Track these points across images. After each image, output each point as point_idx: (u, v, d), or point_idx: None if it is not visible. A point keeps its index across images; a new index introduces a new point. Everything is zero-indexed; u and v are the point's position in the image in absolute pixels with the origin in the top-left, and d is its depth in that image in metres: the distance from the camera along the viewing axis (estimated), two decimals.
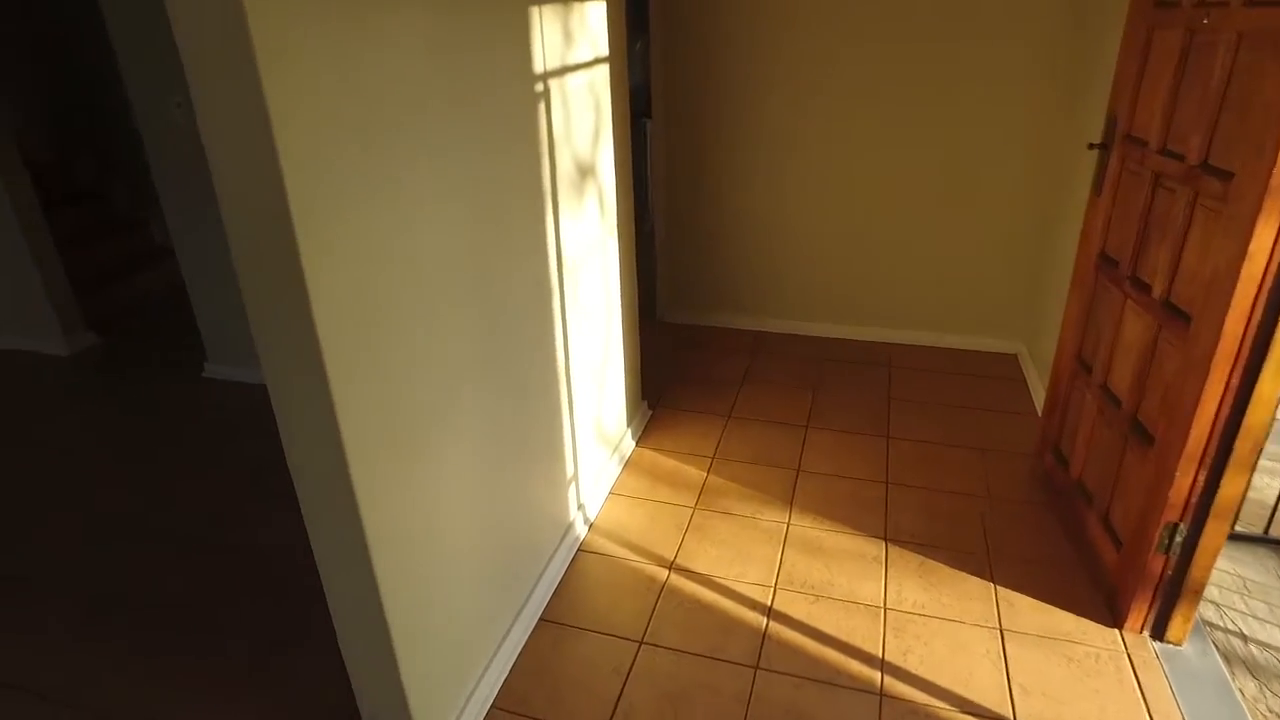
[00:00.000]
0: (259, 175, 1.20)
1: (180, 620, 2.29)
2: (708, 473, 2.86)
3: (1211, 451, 1.84)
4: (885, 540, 2.49)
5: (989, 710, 1.90)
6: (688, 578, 2.37)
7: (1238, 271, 1.66)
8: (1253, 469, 1.84)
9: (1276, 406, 1.76)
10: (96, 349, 4.11)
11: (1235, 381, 1.76)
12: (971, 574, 2.34)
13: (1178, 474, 1.88)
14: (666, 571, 2.39)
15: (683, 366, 3.67)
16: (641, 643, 2.13)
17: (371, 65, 1.38)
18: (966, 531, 2.52)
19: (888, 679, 2.00)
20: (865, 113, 3.45)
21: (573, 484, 2.48)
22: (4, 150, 3.65)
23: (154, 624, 2.29)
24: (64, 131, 5.05)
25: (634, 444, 3.03)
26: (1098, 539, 2.28)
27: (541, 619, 2.23)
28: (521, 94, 1.95)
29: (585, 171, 2.40)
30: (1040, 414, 2.96)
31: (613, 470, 2.82)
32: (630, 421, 3.02)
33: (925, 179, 3.49)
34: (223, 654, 2.16)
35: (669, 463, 2.93)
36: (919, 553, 2.43)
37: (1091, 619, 2.15)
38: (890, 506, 2.65)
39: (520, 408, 2.08)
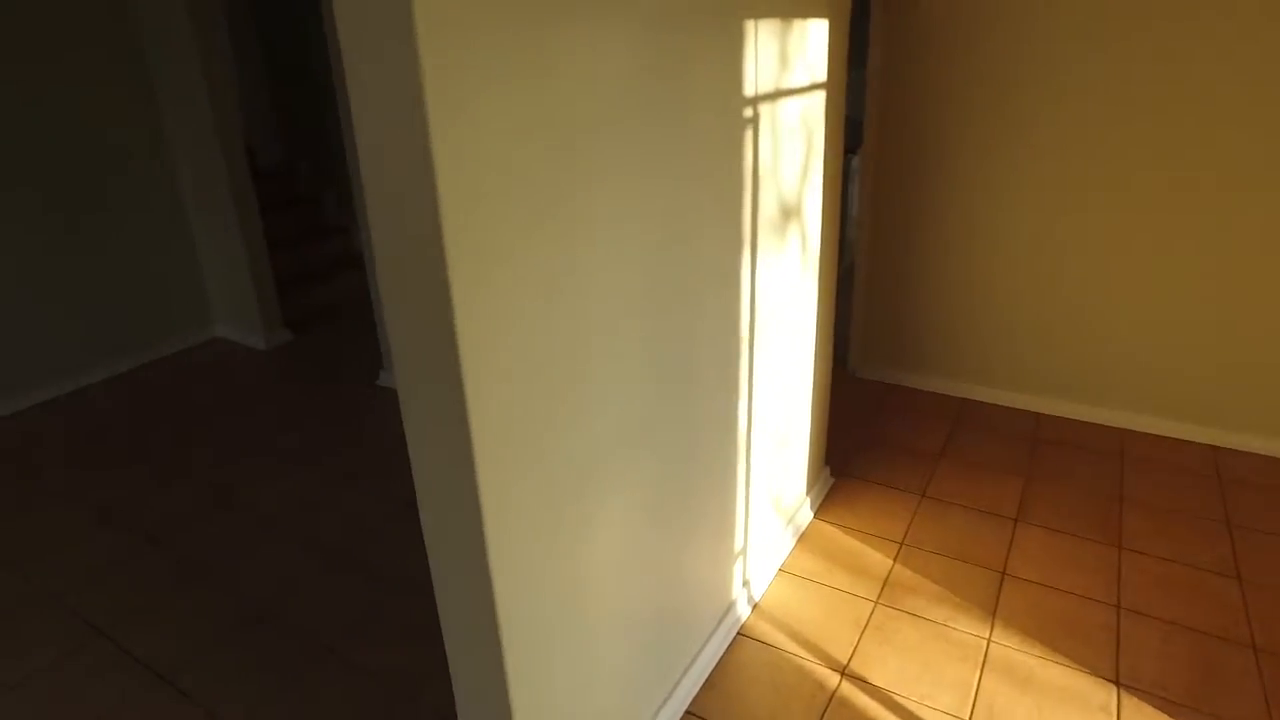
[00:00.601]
0: (409, 183, 1.04)
1: (314, 641, 2.22)
2: (894, 560, 2.47)
3: None
4: (1117, 685, 2.01)
5: None
6: (862, 689, 2.01)
7: None
8: None
9: None
10: (289, 346, 4.30)
11: None
12: None
13: None
14: (838, 677, 2.05)
15: (873, 430, 3.28)
16: None
17: (556, 82, 1.19)
18: (1234, 691, 1.98)
19: None
20: (1173, 165, 2.88)
21: (739, 557, 2.20)
22: (235, 158, 3.90)
23: (289, 636, 2.23)
24: (290, 142, 5.43)
25: (811, 515, 2.70)
26: None
27: (688, 713, 1.95)
28: (726, 119, 1.72)
29: (789, 208, 2.13)
30: None
31: (785, 543, 2.51)
32: (810, 489, 2.69)
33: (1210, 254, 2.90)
34: (342, 685, 2.05)
35: (850, 542, 2.57)
36: (1166, 711, 1.93)
37: None
38: (1123, 639, 2.15)
39: (687, 469, 1.82)
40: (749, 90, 1.79)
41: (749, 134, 1.82)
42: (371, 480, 3.01)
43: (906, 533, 2.61)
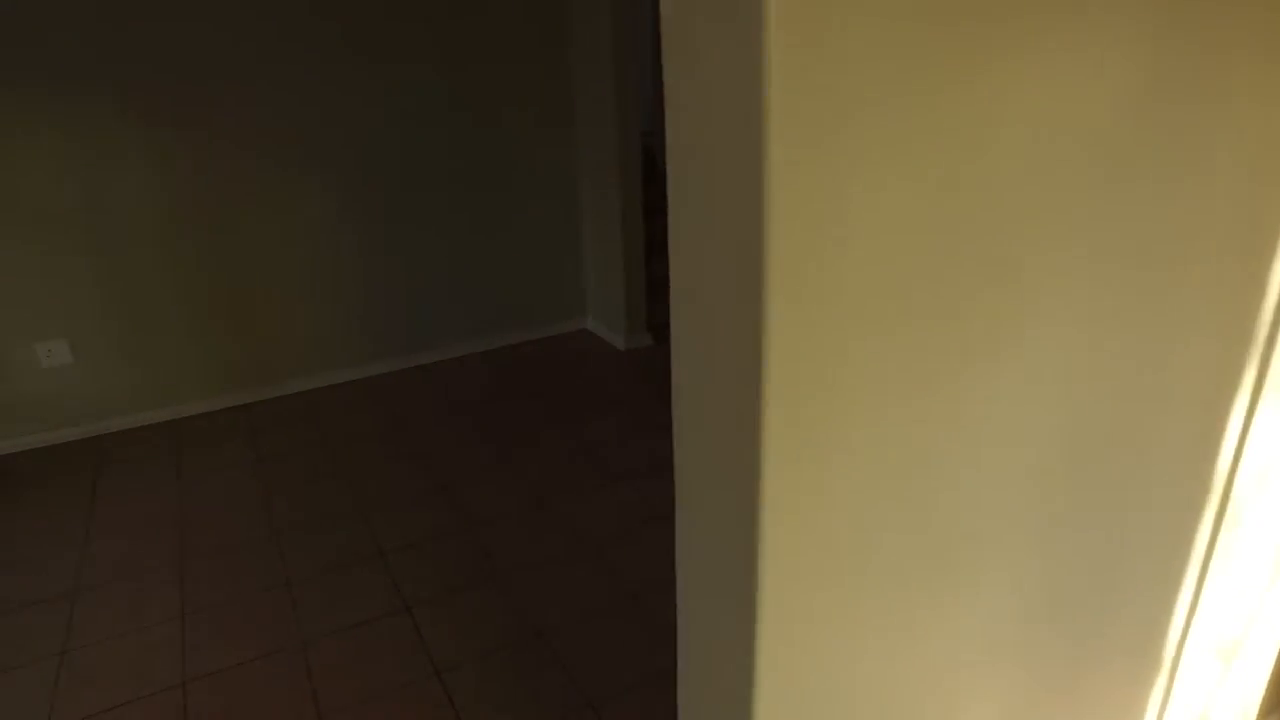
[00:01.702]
0: (726, 274, 0.67)
1: (589, 677, 2.03)
2: None
3: None
4: None
5: None
6: None
7: None
8: None
9: None
10: (646, 351, 4.30)
11: None
12: None
13: None
14: None
15: None
16: None
17: (980, 143, 0.74)
18: None
19: None
20: None
21: None
22: (629, 156, 3.95)
23: (558, 664, 2.07)
24: None
25: None
26: None
27: None
28: (1258, 179, 1.09)
29: None
30: None
31: None
32: None
33: None
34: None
35: None
36: None
37: None
38: None
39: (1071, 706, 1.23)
40: None
41: None
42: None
43: None
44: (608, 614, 2.35)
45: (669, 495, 2.93)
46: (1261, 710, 1.82)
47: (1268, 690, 1.79)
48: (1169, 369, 1.10)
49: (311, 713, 2.04)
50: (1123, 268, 0.97)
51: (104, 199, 3.28)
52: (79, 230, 3.27)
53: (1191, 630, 1.44)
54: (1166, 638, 1.39)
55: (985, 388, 0.91)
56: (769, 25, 0.61)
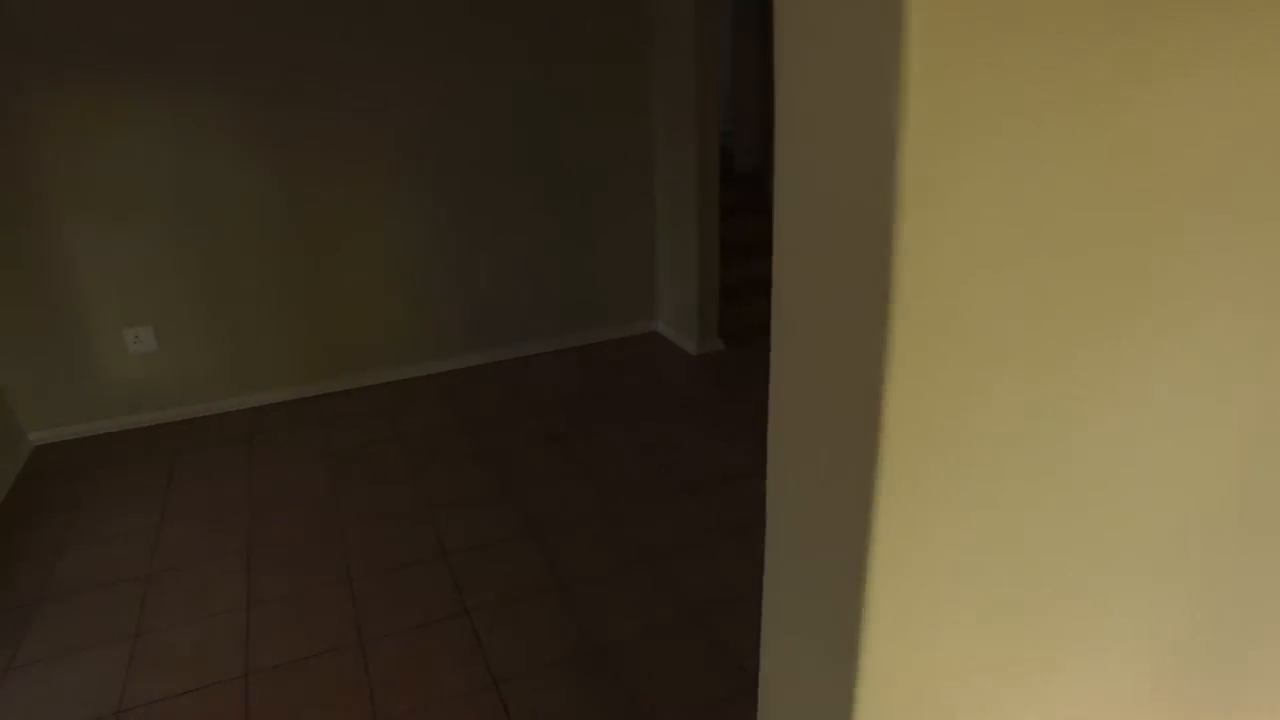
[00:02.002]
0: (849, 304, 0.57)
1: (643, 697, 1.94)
2: None
3: None
4: None
5: None
6: None
7: None
8: None
9: None
10: (718, 357, 4.19)
11: None
12: None
13: None
14: None
15: None
16: None
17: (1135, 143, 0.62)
18: None
19: None
20: None
21: None
22: (708, 155, 3.84)
23: (618, 684, 1.98)
24: (768, 146, 5.34)
25: None
26: None
27: None
28: None
29: None
30: None
31: None
32: None
33: None
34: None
35: None
36: None
37: None
38: None
39: None
40: None
41: None
42: (744, 539, 2.67)
43: None
44: (671, 632, 2.25)
45: (737, 508, 2.82)
46: None
47: None
48: None
49: (368, 714, 2.00)
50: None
51: (194, 188, 3.35)
52: (170, 218, 3.35)
53: None
54: None
55: (1132, 430, 0.78)
56: (909, 23, 0.51)
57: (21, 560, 2.68)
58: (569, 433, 3.41)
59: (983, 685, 0.84)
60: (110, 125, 3.16)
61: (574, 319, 4.30)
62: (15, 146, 3.07)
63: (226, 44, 3.22)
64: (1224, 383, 0.83)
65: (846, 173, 0.60)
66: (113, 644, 2.28)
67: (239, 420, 3.64)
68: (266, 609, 2.40)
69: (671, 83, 3.86)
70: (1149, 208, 0.69)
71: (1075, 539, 0.81)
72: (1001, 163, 0.59)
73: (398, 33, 3.47)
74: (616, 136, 4.05)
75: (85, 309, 3.36)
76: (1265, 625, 1.07)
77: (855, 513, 0.67)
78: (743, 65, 5.16)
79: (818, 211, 0.65)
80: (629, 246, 4.30)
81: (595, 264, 4.24)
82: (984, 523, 0.74)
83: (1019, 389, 0.69)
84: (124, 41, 3.08)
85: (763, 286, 4.78)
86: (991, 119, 0.57)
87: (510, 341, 4.19)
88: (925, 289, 0.59)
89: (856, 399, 0.65)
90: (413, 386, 3.93)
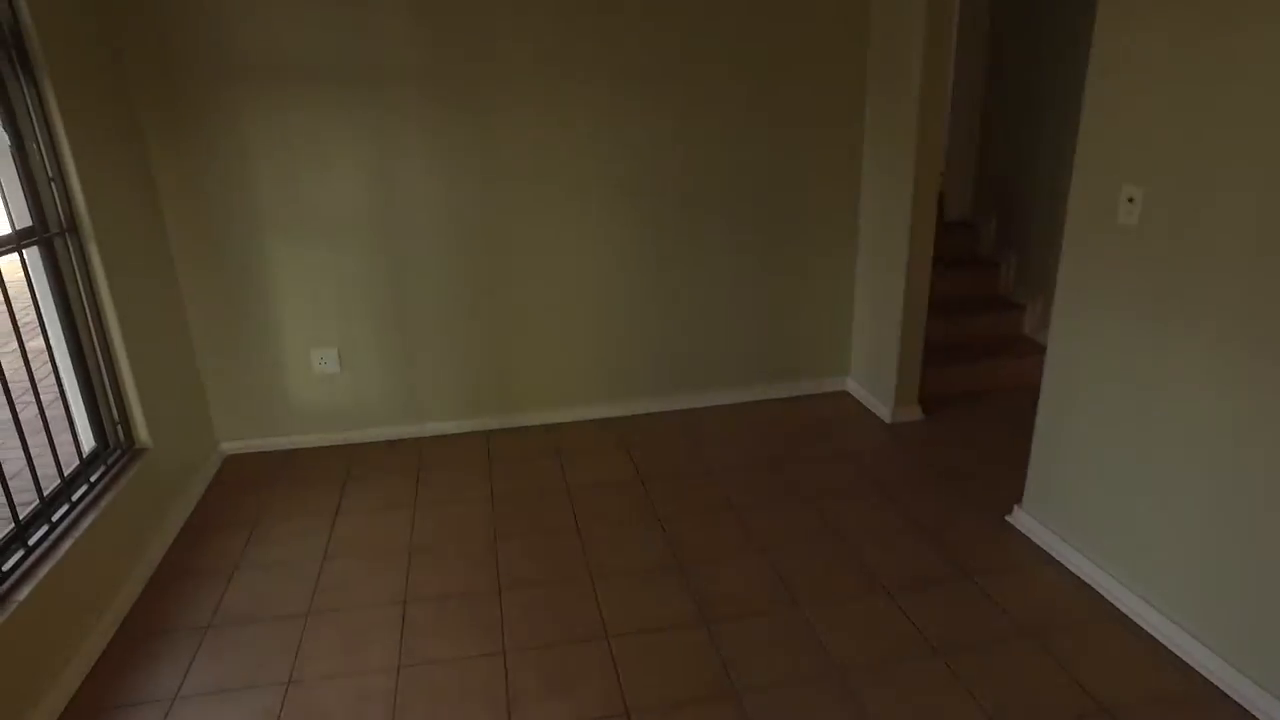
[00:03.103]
0: None
1: None
2: None
3: None
4: None
5: None
6: None
7: None
8: None
9: None
10: (915, 427, 3.71)
11: None
12: None
13: None
14: None
15: None
16: None
17: None
18: None
19: None
20: None
21: None
22: (924, 200, 3.41)
23: None
24: (980, 191, 4.79)
25: None
26: None
27: None
28: None
29: None
30: None
31: None
32: None
33: None
34: None
35: None
36: None
37: None
38: None
39: None
40: None
41: None
42: (976, 665, 2.22)
43: None
44: None
45: (933, 624, 2.38)
46: None
47: None
48: None
49: None
50: None
51: (387, 217, 3.35)
52: (363, 244, 3.37)
53: None
54: None
55: None
56: None
57: (201, 578, 2.70)
58: (746, 501, 3.09)
59: None
60: (316, 149, 3.20)
61: (759, 369, 3.97)
62: (233, 164, 3.17)
63: (427, 75, 3.19)
64: None
65: None
66: (266, 689, 2.20)
67: (408, 449, 3.59)
68: (415, 674, 2.24)
69: (890, 122, 3.47)
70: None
71: None
72: None
73: (609, 68, 3.32)
74: (824, 175, 3.71)
75: (280, 326, 3.43)
76: None
77: None
78: (959, 106, 4.67)
79: None
80: (825, 294, 3.92)
81: (788, 311, 3.90)
82: None
83: None
84: (336, 73, 3.11)
85: (968, 349, 4.25)
86: None
87: (690, 389, 3.92)
88: None
89: None
90: (584, 431, 3.75)
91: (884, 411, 3.77)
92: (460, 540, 2.87)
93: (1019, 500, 2.92)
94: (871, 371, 3.88)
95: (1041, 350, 4.24)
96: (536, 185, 3.44)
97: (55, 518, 2.34)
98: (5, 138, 2.40)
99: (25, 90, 2.40)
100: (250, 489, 3.28)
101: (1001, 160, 4.57)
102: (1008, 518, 2.94)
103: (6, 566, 2.08)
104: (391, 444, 3.63)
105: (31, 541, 2.21)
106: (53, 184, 2.51)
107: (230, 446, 3.58)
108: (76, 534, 2.32)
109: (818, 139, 3.64)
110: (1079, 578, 2.58)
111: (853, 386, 4.07)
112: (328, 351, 3.49)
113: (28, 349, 2.36)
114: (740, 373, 3.95)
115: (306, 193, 3.25)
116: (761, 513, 3.01)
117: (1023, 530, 2.86)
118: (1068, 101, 3.95)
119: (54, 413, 2.53)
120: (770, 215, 3.71)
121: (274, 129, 3.14)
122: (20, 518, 2.19)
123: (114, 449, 2.77)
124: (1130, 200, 2.21)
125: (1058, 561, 2.67)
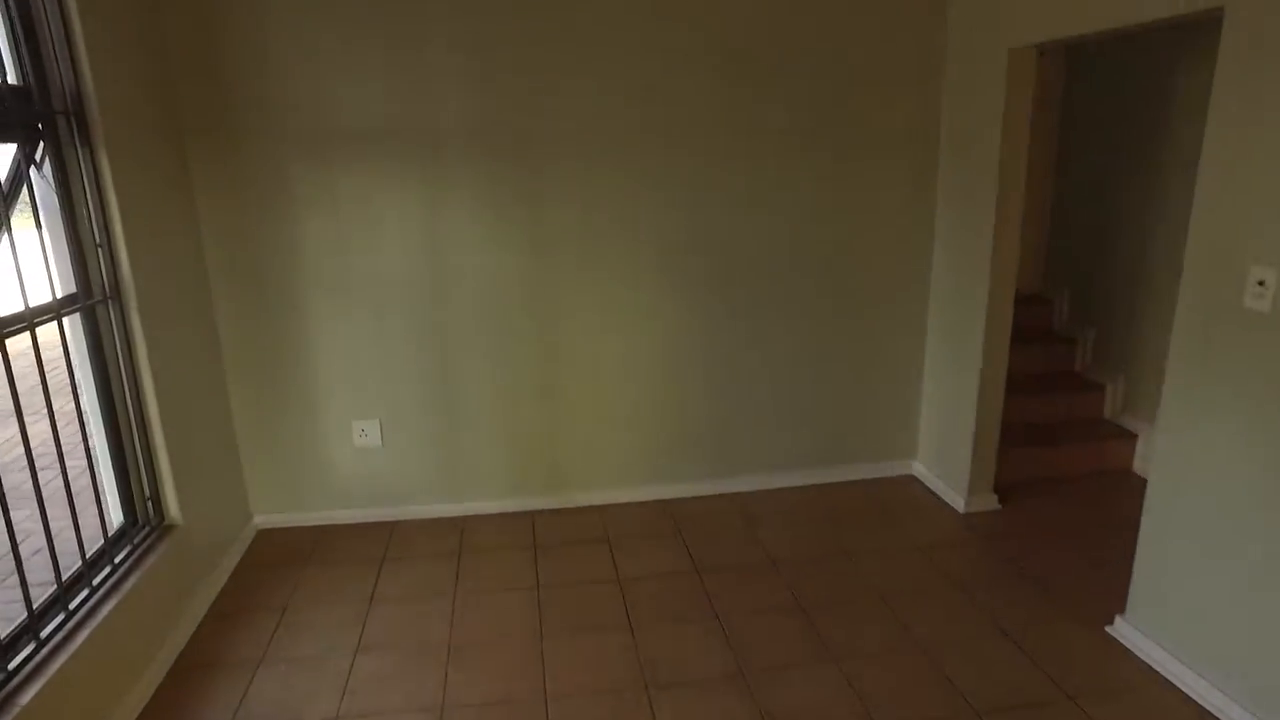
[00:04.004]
0: None
1: None
2: None
3: None
4: None
5: None
6: None
7: None
8: None
9: None
10: (991, 518, 3.42)
11: None
12: None
13: None
14: None
15: None
16: None
17: None
18: None
19: None
20: None
21: None
22: (1003, 283, 3.20)
23: None
24: (1052, 264, 4.56)
25: None
26: None
27: None
28: None
29: None
30: None
31: None
32: None
33: None
34: None
35: None
36: None
37: None
38: None
39: None
40: None
41: None
42: None
43: None
44: None
45: None
46: None
47: None
48: None
49: None
50: None
51: (434, 289, 3.23)
52: (409, 316, 3.24)
53: None
54: None
55: None
56: None
57: (225, 671, 2.50)
58: (813, 599, 2.82)
59: None
60: (367, 212, 3.11)
61: (821, 450, 3.72)
62: (284, 226, 3.09)
63: (477, 139, 3.10)
64: None
65: None
66: None
67: (448, 529, 3.39)
68: None
69: (966, 190, 3.29)
70: None
71: None
72: None
73: (672, 138, 3.22)
74: (892, 248, 3.53)
75: (323, 396, 3.30)
76: None
77: None
78: (1031, 175, 4.47)
79: None
80: (891, 373, 3.70)
81: (850, 390, 3.67)
82: None
83: None
84: (391, 138, 3.04)
85: (1044, 431, 3.95)
86: None
87: (748, 470, 3.69)
88: None
89: None
90: (634, 513, 3.52)
91: (957, 499, 3.49)
92: (502, 637, 2.65)
93: (1120, 609, 2.61)
94: (942, 455, 3.62)
95: (1124, 434, 3.96)
96: (590, 263, 3.30)
97: (73, 605, 2.18)
98: (55, 202, 2.33)
99: (80, 158, 2.34)
100: (282, 567, 3.11)
101: (1075, 232, 4.35)
102: (1108, 629, 2.63)
103: (14, 664, 1.91)
104: (433, 522, 3.44)
105: (45, 633, 2.04)
106: (99, 250, 2.43)
107: (263, 520, 3.42)
108: (94, 623, 2.15)
109: (886, 210, 3.47)
110: (1199, 704, 2.26)
111: (920, 471, 3.80)
112: (369, 423, 3.34)
113: (57, 418, 2.23)
114: (798, 454, 3.71)
115: (355, 260, 3.15)
116: (830, 614, 2.74)
117: (1127, 644, 2.54)
118: (1149, 171, 3.74)
119: (81, 483, 2.39)
120: (834, 289, 3.52)
121: (323, 192, 3.06)
122: (34, 607, 2.03)
123: (142, 525, 2.62)
124: (1261, 284, 1.98)
125: (1172, 684, 2.35)
